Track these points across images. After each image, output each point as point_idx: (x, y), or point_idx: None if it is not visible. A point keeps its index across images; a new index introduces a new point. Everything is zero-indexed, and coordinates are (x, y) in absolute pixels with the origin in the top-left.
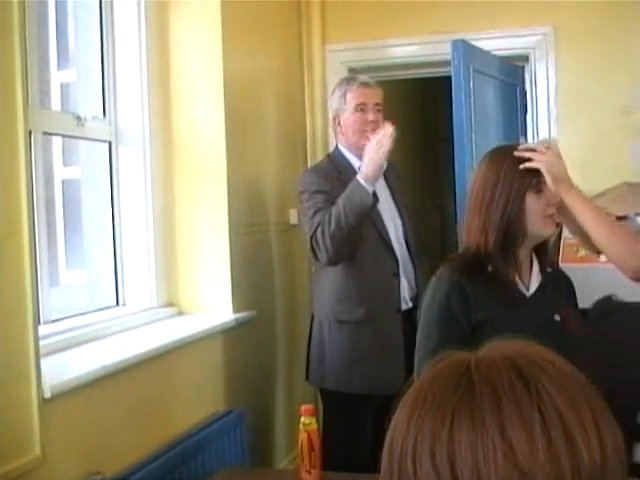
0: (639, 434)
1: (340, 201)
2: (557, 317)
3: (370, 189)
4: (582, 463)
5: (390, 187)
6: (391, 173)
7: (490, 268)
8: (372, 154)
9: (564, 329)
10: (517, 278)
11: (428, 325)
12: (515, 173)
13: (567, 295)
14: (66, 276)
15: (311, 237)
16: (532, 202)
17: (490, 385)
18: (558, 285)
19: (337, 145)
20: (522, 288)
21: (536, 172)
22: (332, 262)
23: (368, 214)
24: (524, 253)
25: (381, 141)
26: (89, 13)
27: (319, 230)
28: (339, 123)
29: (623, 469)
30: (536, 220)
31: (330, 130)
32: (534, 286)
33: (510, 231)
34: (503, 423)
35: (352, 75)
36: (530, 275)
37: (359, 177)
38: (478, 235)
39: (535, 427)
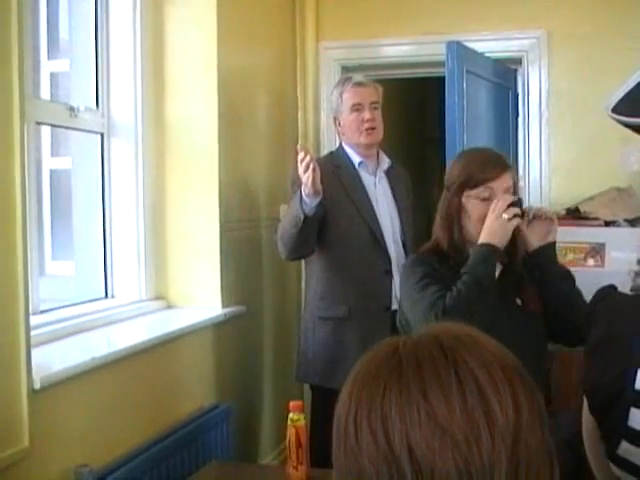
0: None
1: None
2: (518, 301)
3: (310, 202)
4: (496, 418)
5: (391, 186)
6: (394, 173)
7: (451, 261)
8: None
9: (526, 311)
10: None
11: (416, 285)
12: (460, 177)
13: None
14: (52, 266)
15: (275, 229)
16: (471, 207)
17: (414, 357)
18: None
19: (341, 143)
20: None
21: (481, 183)
22: (287, 258)
23: (312, 225)
24: None
25: (306, 165)
26: (84, 3)
27: (278, 225)
28: (339, 123)
29: (541, 424)
30: (475, 226)
31: (322, 127)
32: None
33: (454, 230)
34: (425, 388)
35: (348, 75)
36: None
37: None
38: (437, 232)
39: (452, 389)
